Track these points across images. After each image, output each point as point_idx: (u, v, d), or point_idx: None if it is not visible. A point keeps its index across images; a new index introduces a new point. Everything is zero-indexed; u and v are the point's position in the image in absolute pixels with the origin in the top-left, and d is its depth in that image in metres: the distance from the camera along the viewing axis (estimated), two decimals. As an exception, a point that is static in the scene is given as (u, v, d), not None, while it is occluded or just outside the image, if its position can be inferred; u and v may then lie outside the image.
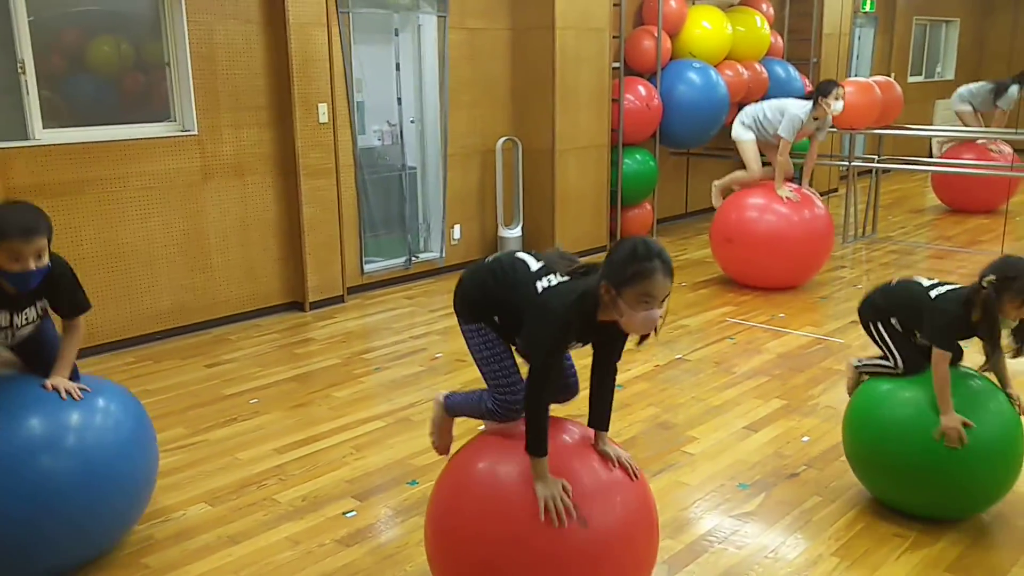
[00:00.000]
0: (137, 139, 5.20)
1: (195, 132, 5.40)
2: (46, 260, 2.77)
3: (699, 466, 3.71)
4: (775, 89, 8.53)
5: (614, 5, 7.41)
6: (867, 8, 11.35)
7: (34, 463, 2.74)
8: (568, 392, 2.72)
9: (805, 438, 3.94)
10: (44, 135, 4.90)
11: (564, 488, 2.31)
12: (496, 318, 2.55)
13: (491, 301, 2.55)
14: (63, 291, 2.94)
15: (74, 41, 5.20)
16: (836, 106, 6.16)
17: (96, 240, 5.08)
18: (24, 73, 4.77)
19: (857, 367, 3.43)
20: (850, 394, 3.45)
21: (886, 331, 3.27)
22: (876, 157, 8.30)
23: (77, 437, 2.84)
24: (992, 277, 2.96)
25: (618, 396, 4.41)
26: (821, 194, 9.31)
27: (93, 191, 5.03)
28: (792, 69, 9.04)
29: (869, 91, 7.55)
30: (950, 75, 13.91)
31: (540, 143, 7.18)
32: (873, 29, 11.98)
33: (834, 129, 7.90)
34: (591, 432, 2.57)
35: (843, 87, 6.28)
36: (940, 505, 3.19)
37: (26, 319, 2.89)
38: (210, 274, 5.61)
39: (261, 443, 3.98)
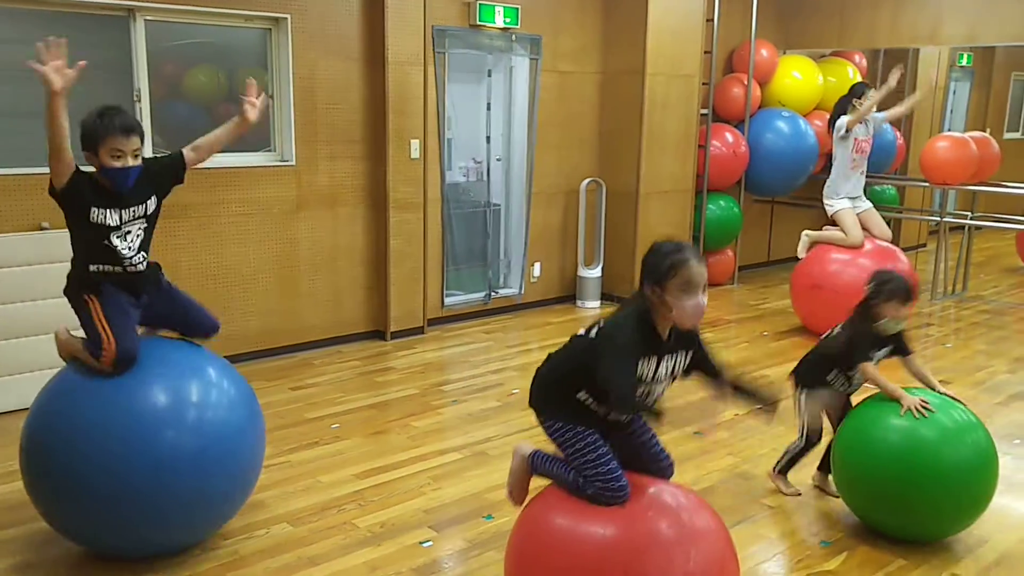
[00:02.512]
0: (239, 167, 5.43)
1: (293, 163, 5.61)
2: (140, 160, 3.06)
3: (779, 519, 3.64)
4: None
5: (705, 52, 7.45)
6: (964, 62, 11.12)
7: (156, 437, 2.97)
8: (663, 476, 2.75)
9: (890, 498, 3.83)
10: (154, 160, 5.15)
11: None
12: (581, 393, 2.57)
13: (567, 376, 2.60)
14: (159, 163, 3.24)
15: (178, 71, 5.47)
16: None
17: (194, 262, 5.29)
18: (139, 101, 5.04)
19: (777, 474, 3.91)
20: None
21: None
22: (969, 213, 8.09)
23: (197, 413, 3.08)
24: (872, 284, 3.53)
25: (697, 444, 4.41)
26: (907, 249, 9.07)
27: (194, 215, 5.25)
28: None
29: (965, 146, 7.39)
30: (1049, 133, 13.47)
31: (624, 185, 7.22)
32: (969, 83, 11.72)
33: (926, 184, 7.76)
34: (672, 488, 2.60)
35: (872, 88, 6.57)
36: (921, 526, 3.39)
37: (133, 215, 3.11)
38: (298, 300, 5.78)
39: (341, 468, 4.07)
